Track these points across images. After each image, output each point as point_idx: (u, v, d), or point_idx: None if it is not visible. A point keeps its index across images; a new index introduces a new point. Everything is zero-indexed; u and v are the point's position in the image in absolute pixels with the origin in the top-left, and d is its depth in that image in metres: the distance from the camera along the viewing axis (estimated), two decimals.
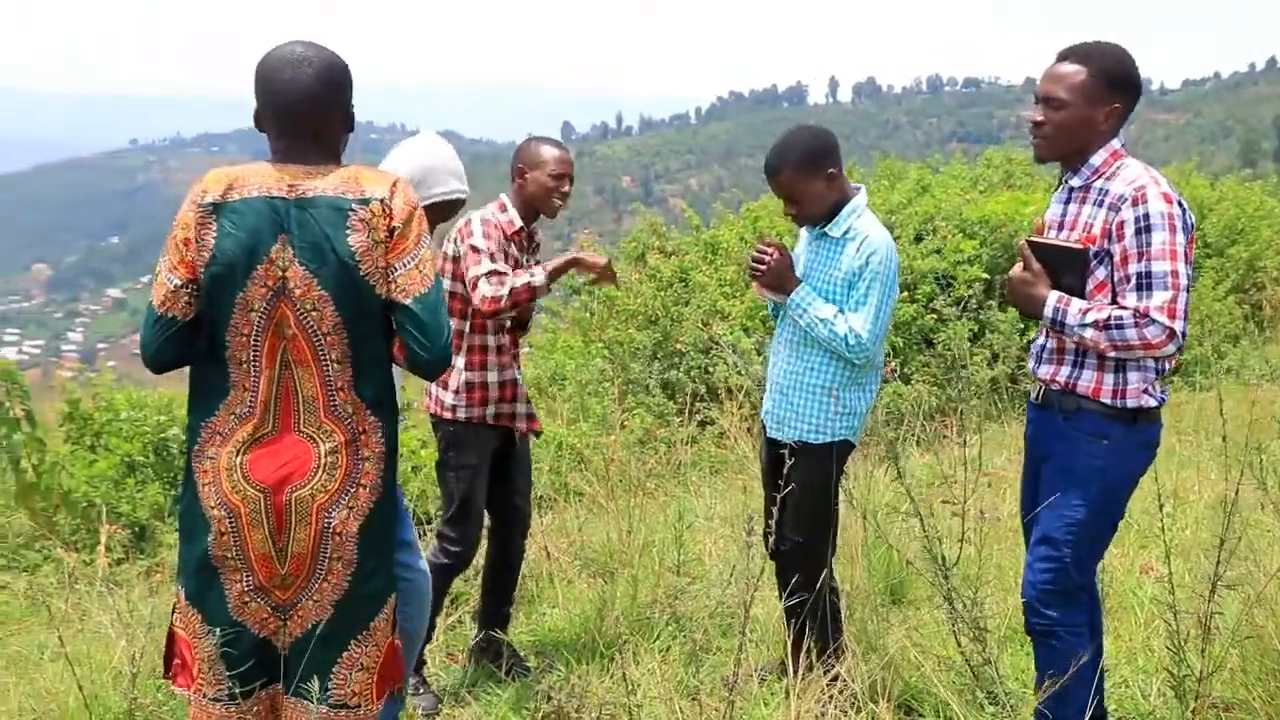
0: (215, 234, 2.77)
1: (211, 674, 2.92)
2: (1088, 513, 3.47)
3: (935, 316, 9.62)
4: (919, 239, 10.59)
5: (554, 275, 4.35)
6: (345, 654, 2.93)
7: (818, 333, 4.06)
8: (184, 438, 7.14)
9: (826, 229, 4.13)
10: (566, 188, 4.51)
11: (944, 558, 4.01)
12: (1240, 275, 12.97)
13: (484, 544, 4.79)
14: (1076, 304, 3.35)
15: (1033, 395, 3.68)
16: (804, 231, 4.35)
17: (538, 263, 4.63)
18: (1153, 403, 3.43)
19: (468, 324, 4.37)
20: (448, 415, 4.42)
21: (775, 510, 4.32)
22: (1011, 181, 14.41)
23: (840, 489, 4.27)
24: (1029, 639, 3.74)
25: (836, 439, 4.18)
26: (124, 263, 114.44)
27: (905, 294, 9.88)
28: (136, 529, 6.71)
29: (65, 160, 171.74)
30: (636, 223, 12.81)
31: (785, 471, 4.08)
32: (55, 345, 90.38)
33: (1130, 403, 3.40)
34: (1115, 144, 3.44)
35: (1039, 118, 3.46)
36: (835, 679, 3.94)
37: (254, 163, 2.86)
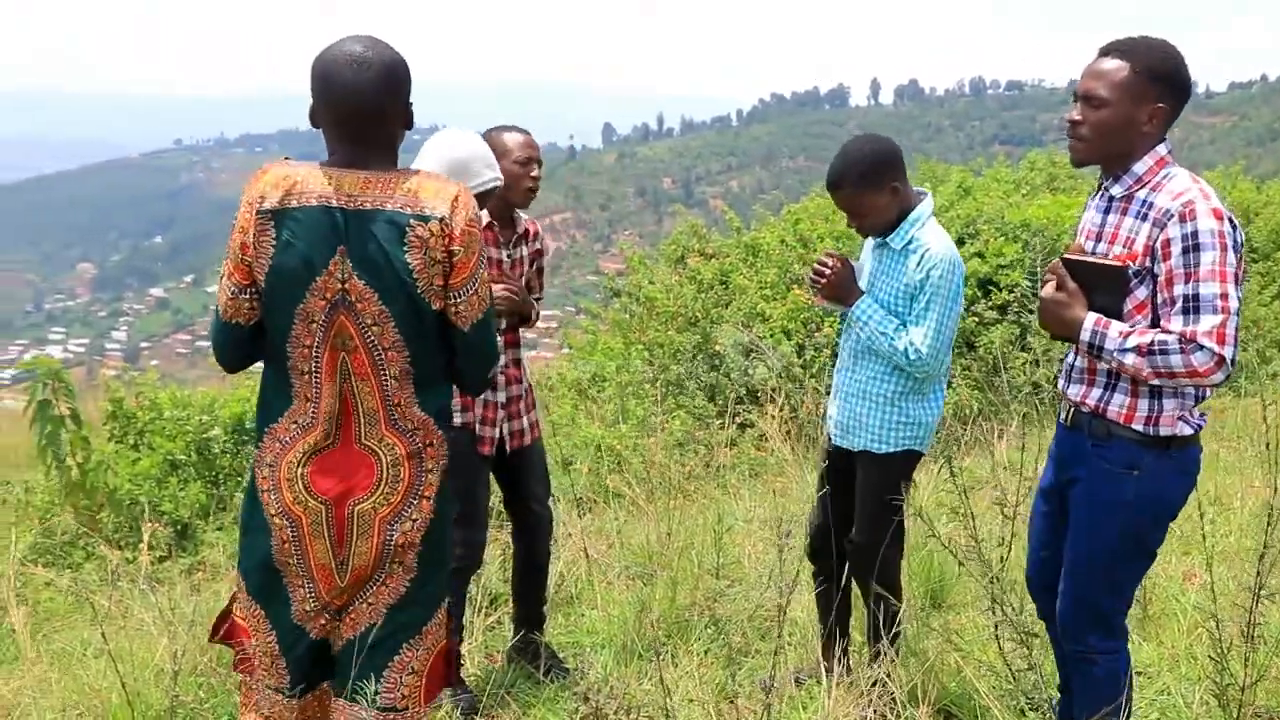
0: (274, 242, 2.73)
1: (274, 667, 2.95)
2: (1116, 543, 3.32)
3: (977, 320, 9.58)
4: (961, 242, 10.52)
5: None
6: (397, 658, 2.92)
7: (878, 346, 4.02)
8: (225, 437, 7.28)
9: (888, 240, 4.06)
10: (535, 171, 4.44)
11: (995, 561, 3.99)
12: None
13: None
14: (1116, 327, 3.13)
15: (1062, 416, 3.50)
16: (868, 239, 4.27)
17: (539, 251, 4.62)
18: (1189, 430, 3.23)
19: None
20: None
21: (827, 512, 4.34)
22: (1055, 185, 14.33)
23: (906, 498, 4.21)
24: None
25: (900, 449, 4.13)
26: (167, 262, 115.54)
27: None
28: (179, 527, 6.76)
29: (110, 160, 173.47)
30: (677, 224, 12.81)
31: (855, 477, 4.11)
32: (100, 344, 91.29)
33: (1164, 431, 3.20)
34: (1161, 150, 3.21)
35: (1077, 116, 3.23)
36: (875, 683, 3.93)
37: (311, 165, 2.80)
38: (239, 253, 2.78)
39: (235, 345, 2.89)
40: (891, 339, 3.97)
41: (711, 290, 10.67)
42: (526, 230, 4.56)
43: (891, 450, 4.12)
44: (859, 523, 4.19)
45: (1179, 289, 3.05)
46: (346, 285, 2.73)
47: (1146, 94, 3.16)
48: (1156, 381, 3.10)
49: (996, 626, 4.01)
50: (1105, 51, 3.23)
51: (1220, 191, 3.27)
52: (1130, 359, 3.09)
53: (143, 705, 4.11)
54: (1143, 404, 3.21)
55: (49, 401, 6.45)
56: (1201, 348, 3.00)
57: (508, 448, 4.51)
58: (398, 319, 2.76)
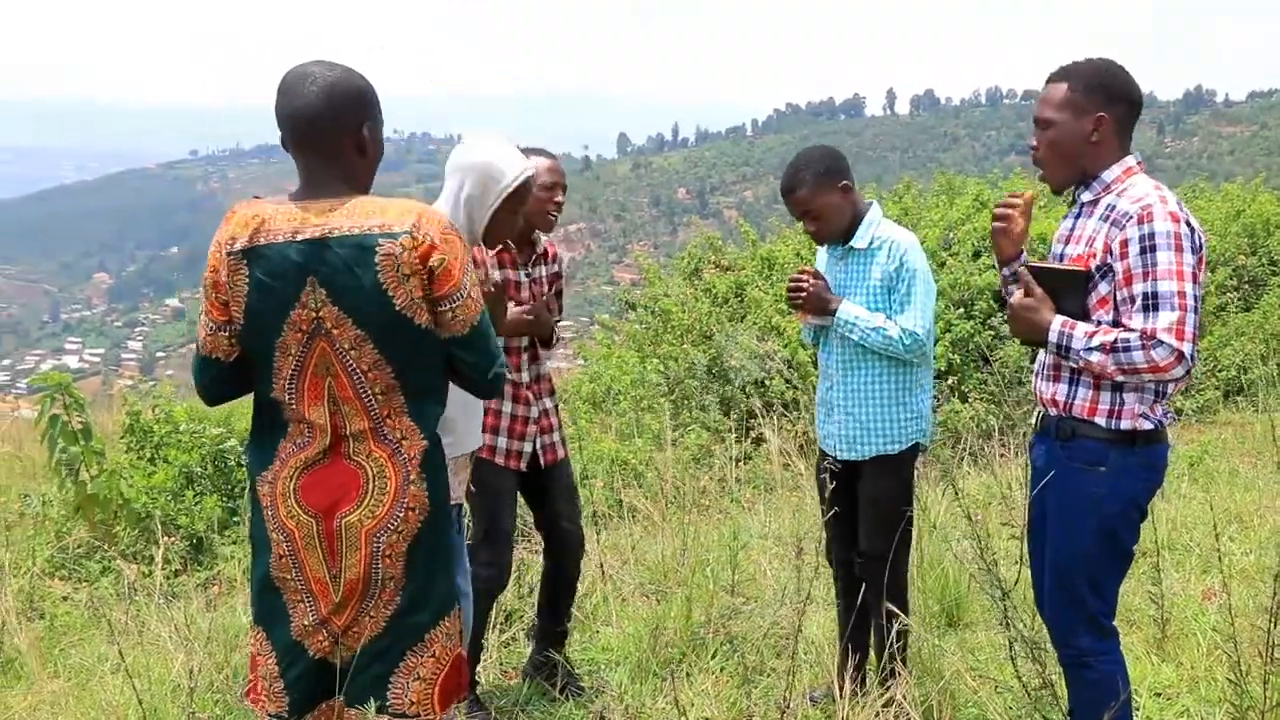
0: (247, 282, 2.81)
1: (272, 690, 2.98)
2: (1091, 543, 3.39)
3: (993, 333, 9.55)
4: (977, 255, 10.51)
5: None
6: (401, 664, 2.95)
7: (871, 341, 4.13)
8: (241, 449, 7.28)
9: (852, 243, 4.23)
10: (559, 197, 4.44)
11: (1009, 578, 3.97)
12: None
13: (541, 562, 4.81)
14: (1082, 328, 3.28)
15: (1033, 420, 3.62)
16: (823, 254, 4.44)
17: (557, 274, 4.62)
18: (1149, 426, 3.33)
19: None
20: None
21: (840, 527, 4.33)
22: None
23: (915, 494, 4.35)
24: None
25: (909, 444, 4.25)
26: (183, 272, 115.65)
27: (963, 310, 9.81)
28: (194, 541, 6.77)
29: (127, 171, 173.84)
30: (692, 236, 12.79)
31: (831, 481, 4.11)
32: (115, 354, 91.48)
33: (1125, 424, 3.31)
34: (1129, 161, 3.38)
35: (1034, 142, 3.47)
36: (890, 702, 3.92)
37: (279, 200, 2.87)
38: (213, 291, 2.88)
39: (215, 381, 2.98)
40: (884, 330, 4.10)
41: (726, 304, 10.67)
42: (545, 251, 4.56)
43: (903, 448, 4.24)
44: (870, 531, 4.22)
45: (1138, 287, 3.19)
46: (321, 314, 2.79)
47: (1086, 107, 3.36)
48: (1121, 378, 3.24)
49: (1011, 645, 3.99)
50: (1050, 78, 3.45)
51: (1183, 203, 3.32)
52: (1096, 357, 3.22)
53: None
54: (1105, 397, 3.33)
55: (59, 416, 6.47)
56: (1161, 343, 3.12)
57: (541, 462, 4.52)
58: (377, 340, 2.81)
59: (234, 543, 6.61)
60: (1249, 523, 6.27)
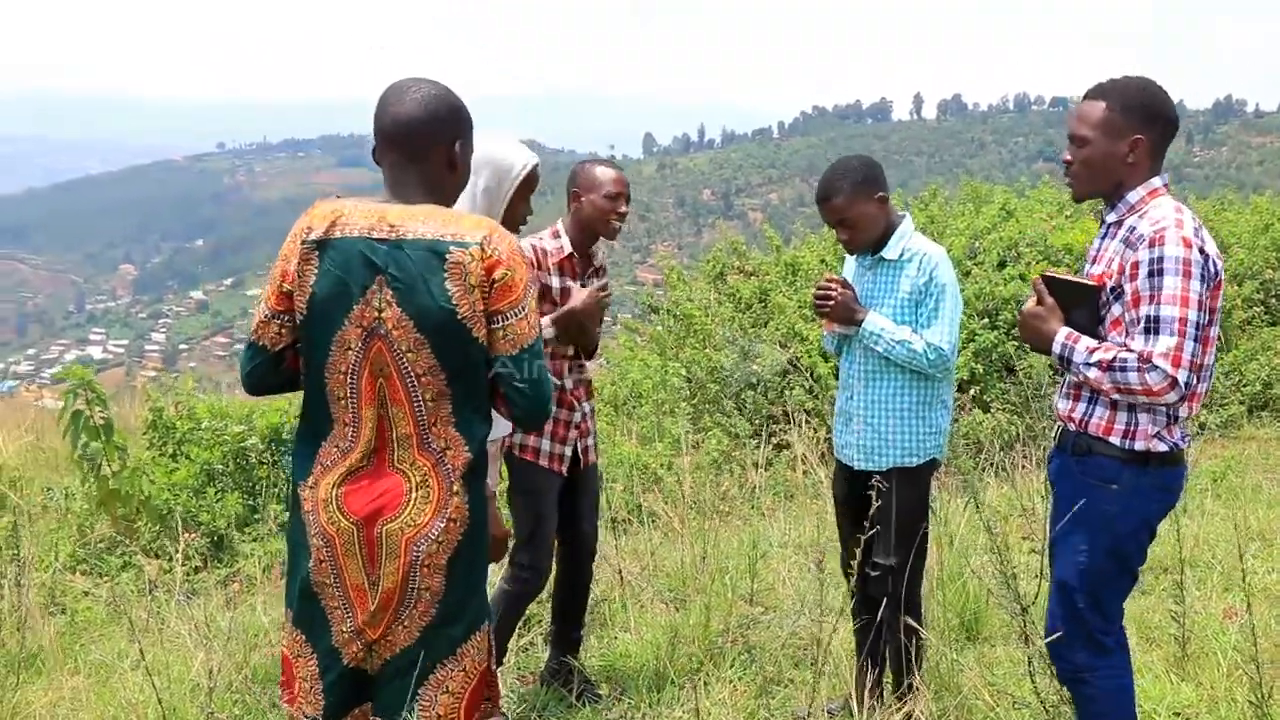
0: (316, 272, 2.84)
1: (311, 693, 2.99)
2: (1098, 560, 3.42)
3: (1017, 344, 9.51)
4: (1002, 265, 10.47)
5: (558, 325, 4.34)
6: (432, 677, 2.95)
7: (897, 354, 4.13)
8: (262, 447, 7.30)
9: (883, 254, 4.23)
10: (623, 208, 4.53)
11: (1020, 594, 3.96)
12: None
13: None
14: (1085, 342, 3.33)
15: (1052, 435, 3.65)
16: (851, 263, 4.45)
17: (604, 286, 4.64)
18: (1163, 448, 3.35)
19: None
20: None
21: (859, 539, 4.33)
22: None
23: (931, 508, 4.35)
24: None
25: (926, 459, 4.25)
26: (208, 265, 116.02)
27: (987, 320, 9.78)
28: (214, 538, 6.79)
29: (154, 163, 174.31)
30: (716, 237, 12.76)
31: (876, 499, 4.10)
32: (139, 345, 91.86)
33: (1139, 445, 3.34)
34: (1155, 182, 3.40)
35: (1068, 157, 3.49)
36: (907, 716, 3.91)
37: (361, 199, 2.92)
38: (279, 279, 2.91)
39: (258, 368, 3.00)
40: (910, 344, 4.11)
41: (750, 309, 10.65)
42: (601, 266, 4.67)
43: (920, 462, 4.23)
44: (887, 543, 4.20)
45: (1143, 310, 3.24)
46: (383, 314, 2.82)
47: (1123, 128, 3.38)
48: (1117, 396, 3.30)
49: (1030, 661, 3.97)
50: (1088, 95, 3.47)
51: (1201, 228, 3.34)
52: (1093, 373, 3.29)
53: None
54: (1121, 416, 3.37)
55: (81, 411, 6.50)
56: (1156, 368, 3.17)
57: (581, 465, 4.57)
58: (435, 346, 2.82)
59: (254, 540, 6.64)
60: (1272, 540, 6.23)
